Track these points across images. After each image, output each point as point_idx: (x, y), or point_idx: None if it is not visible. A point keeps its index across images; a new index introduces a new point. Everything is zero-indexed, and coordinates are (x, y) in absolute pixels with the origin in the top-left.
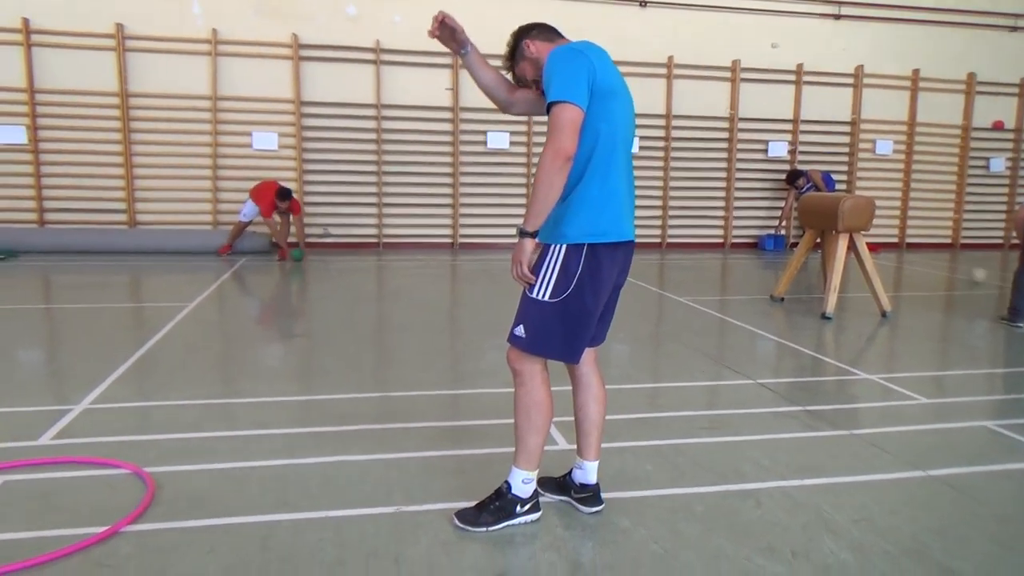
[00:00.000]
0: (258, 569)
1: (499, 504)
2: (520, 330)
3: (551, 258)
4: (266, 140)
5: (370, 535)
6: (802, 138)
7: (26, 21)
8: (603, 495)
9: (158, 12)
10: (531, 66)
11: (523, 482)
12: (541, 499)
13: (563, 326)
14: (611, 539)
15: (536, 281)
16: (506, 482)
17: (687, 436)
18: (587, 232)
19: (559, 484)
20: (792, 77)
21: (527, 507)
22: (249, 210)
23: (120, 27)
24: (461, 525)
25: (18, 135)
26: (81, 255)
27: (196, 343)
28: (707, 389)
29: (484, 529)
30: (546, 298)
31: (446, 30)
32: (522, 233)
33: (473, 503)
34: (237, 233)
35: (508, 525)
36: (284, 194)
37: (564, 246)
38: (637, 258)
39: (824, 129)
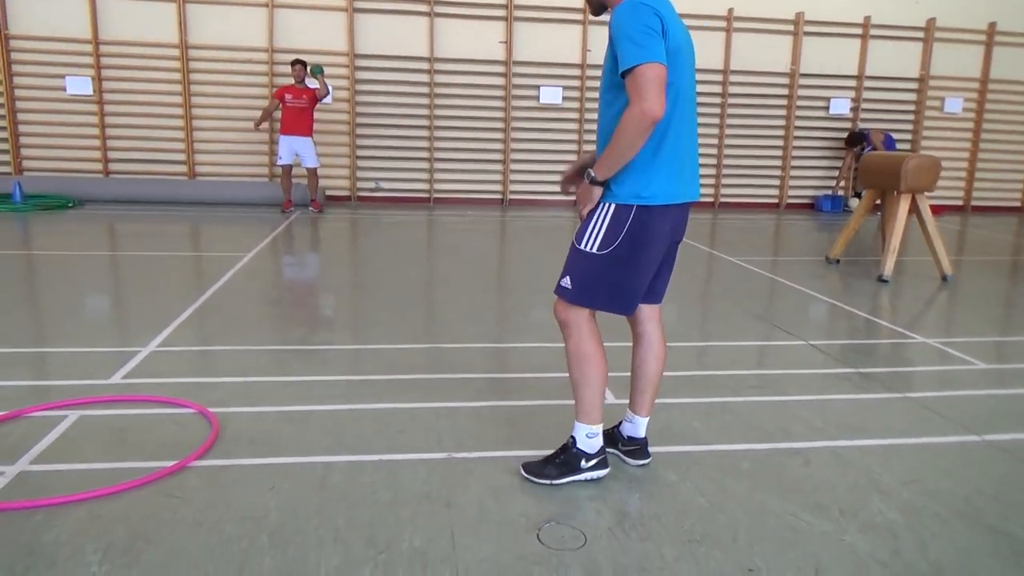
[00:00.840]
0: (317, 506)
1: (564, 458)
2: (567, 281)
3: (600, 214)
4: None
5: (422, 479)
6: (866, 95)
7: None
8: (650, 449)
9: None
10: None
11: (587, 436)
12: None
13: (609, 278)
14: (657, 491)
15: (584, 233)
16: (571, 436)
17: (735, 395)
18: (636, 194)
19: (607, 436)
20: (859, 31)
21: (593, 463)
22: (283, 151)
23: None
24: (527, 475)
25: (84, 86)
26: (143, 205)
27: (254, 292)
28: (757, 349)
29: (548, 482)
30: (593, 250)
31: (572, 181)
32: (591, 179)
33: (540, 454)
34: (286, 183)
35: (573, 480)
36: (297, 60)
37: (613, 205)
38: (689, 217)
39: (890, 86)
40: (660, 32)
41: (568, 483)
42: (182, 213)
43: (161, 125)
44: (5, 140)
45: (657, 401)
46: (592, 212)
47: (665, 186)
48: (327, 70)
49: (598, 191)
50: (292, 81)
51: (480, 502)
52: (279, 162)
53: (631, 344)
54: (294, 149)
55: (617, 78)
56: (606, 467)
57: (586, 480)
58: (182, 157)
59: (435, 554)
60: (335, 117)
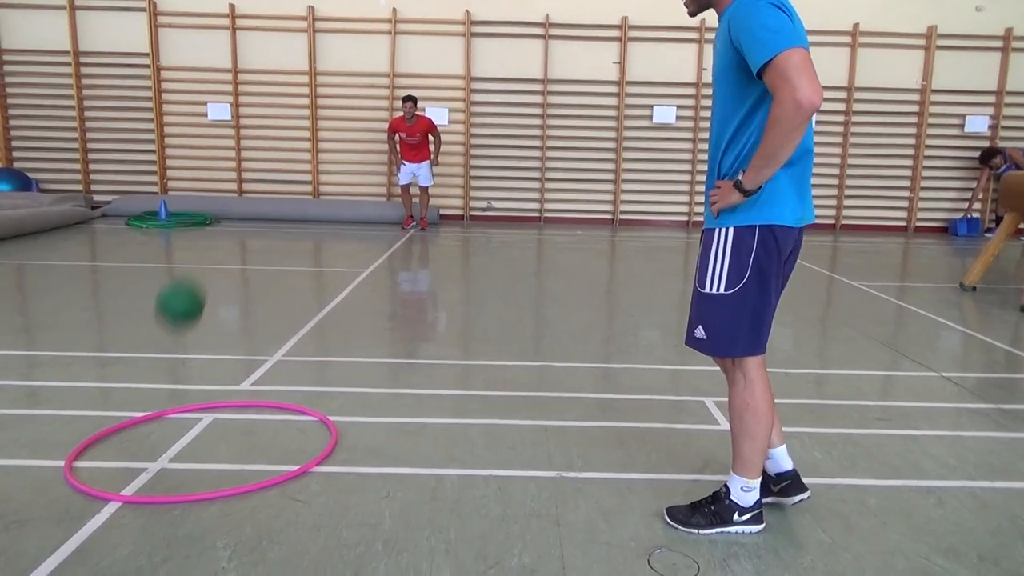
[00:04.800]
0: (429, 517)
1: (715, 508)
2: (700, 331)
3: (718, 245)
4: (438, 115)
5: (531, 496)
6: (1007, 112)
7: (232, 7)
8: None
9: None
10: None
11: (742, 489)
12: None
13: (747, 319)
14: (774, 523)
15: (707, 272)
16: (725, 486)
17: (859, 426)
18: (760, 213)
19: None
20: (998, 44)
21: (747, 516)
22: (403, 173)
23: (312, 9)
24: (671, 522)
25: (224, 112)
26: (272, 222)
27: (371, 306)
28: (882, 379)
29: (696, 531)
30: (721, 291)
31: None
32: (738, 186)
33: (651, 479)
34: (406, 200)
35: (723, 532)
36: (407, 97)
37: (731, 229)
38: (806, 239)
39: None
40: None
41: (717, 534)
42: (307, 230)
43: (290, 148)
44: (154, 162)
45: None
46: (708, 245)
47: (793, 204)
48: (444, 93)
49: (739, 198)
50: (403, 115)
51: (590, 522)
52: (399, 183)
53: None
54: (412, 171)
55: (737, 86)
56: (761, 523)
57: (738, 534)
58: (308, 177)
59: (544, 572)
60: (450, 139)
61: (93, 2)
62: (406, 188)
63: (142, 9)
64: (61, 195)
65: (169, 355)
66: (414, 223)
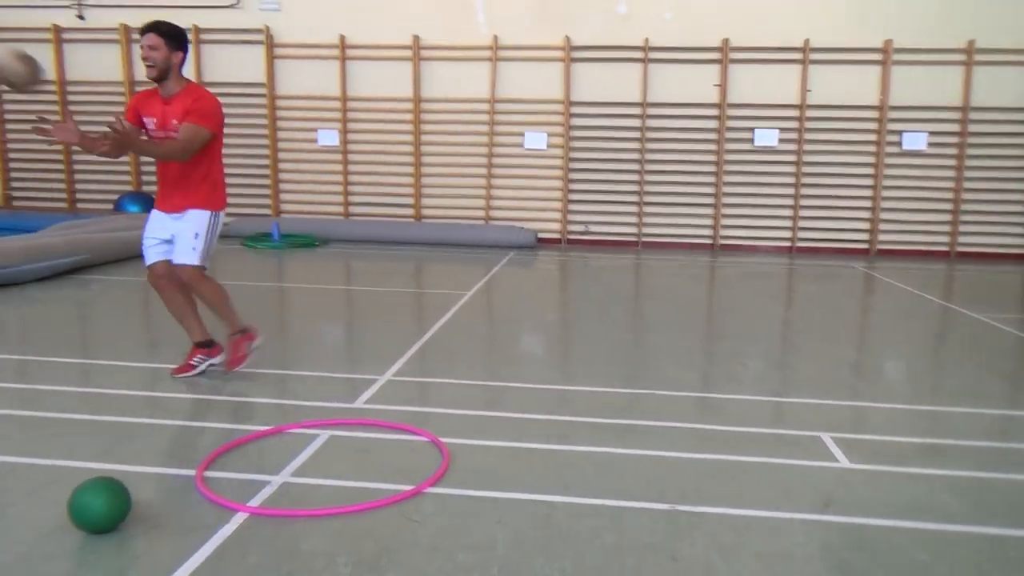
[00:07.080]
0: (542, 545)
1: None
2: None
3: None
4: (536, 140)
5: (646, 529)
6: None
7: (343, 38)
8: (893, 523)
9: (448, 22)
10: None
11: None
12: None
13: None
14: (907, 571)
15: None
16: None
17: (987, 469)
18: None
19: None
20: None
21: None
22: (149, 228)
23: (416, 39)
24: None
25: (333, 138)
26: (376, 244)
27: (474, 328)
28: (1008, 418)
29: None
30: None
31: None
32: None
33: (766, 516)
34: (180, 310)
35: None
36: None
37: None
38: (918, 267)
39: None
40: None
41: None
42: (410, 252)
43: (394, 172)
44: (268, 186)
45: (898, 469)
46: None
47: None
48: (543, 117)
49: None
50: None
51: (706, 559)
52: (144, 259)
53: None
54: (167, 230)
55: None
56: None
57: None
58: (411, 200)
59: None
60: (549, 163)
61: (217, 36)
62: (160, 275)
63: (260, 42)
64: None
65: (284, 371)
66: (216, 355)
